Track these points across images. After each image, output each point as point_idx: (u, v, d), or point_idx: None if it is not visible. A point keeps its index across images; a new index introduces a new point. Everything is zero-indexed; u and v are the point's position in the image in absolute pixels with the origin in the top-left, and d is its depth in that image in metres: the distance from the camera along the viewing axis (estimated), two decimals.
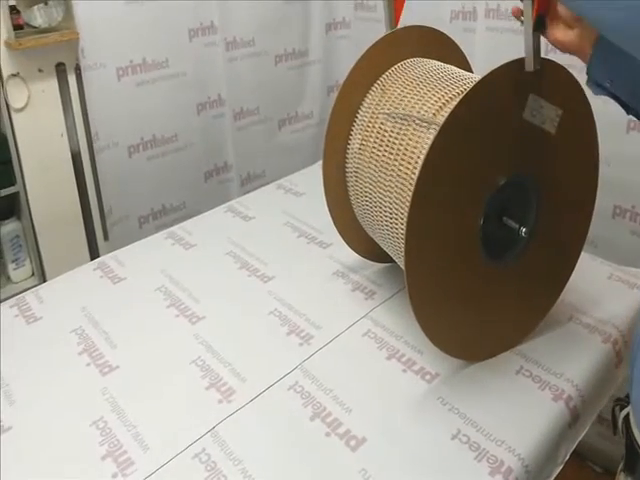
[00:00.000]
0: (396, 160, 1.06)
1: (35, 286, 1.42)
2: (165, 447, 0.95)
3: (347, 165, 1.21)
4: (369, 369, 1.10)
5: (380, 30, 1.19)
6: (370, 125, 1.14)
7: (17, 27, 1.75)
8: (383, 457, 0.93)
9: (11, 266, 1.99)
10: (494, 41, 1.69)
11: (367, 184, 1.14)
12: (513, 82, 0.92)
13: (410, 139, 1.05)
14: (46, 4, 1.79)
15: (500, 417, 0.99)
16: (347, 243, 1.31)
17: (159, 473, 0.91)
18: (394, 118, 1.08)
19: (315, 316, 1.23)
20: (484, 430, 0.97)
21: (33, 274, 2.04)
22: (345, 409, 1.01)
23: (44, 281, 1.93)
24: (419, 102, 1.07)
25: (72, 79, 1.91)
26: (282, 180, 1.81)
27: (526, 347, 1.14)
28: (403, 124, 1.07)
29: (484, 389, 1.05)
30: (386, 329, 1.19)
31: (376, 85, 1.17)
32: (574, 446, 1.06)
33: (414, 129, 1.05)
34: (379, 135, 1.11)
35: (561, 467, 1.02)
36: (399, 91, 1.12)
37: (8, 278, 2.02)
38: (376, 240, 1.23)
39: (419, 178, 0.91)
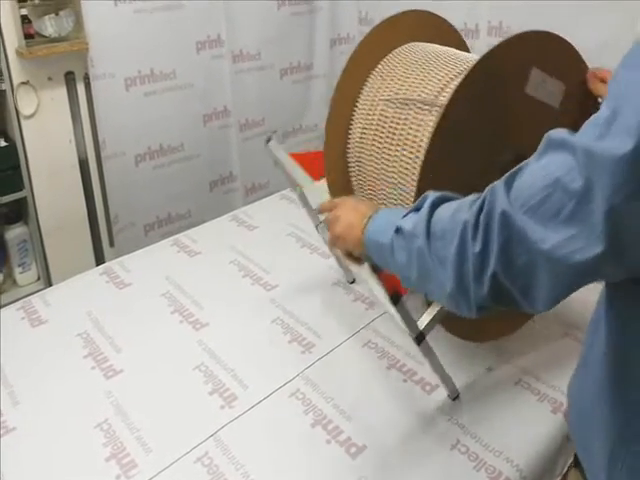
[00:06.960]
0: (398, 147, 1.06)
1: (40, 290, 1.44)
2: (168, 450, 0.97)
3: (349, 155, 1.19)
4: (369, 378, 1.11)
5: None
6: (370, 113, 1.12)
7: (28, 36, 1.78)
8: (382, 465, 0.94)
9: (17, 270, 2.01)
10: None
11: (370, 176, 1.13)
12: (514, 58, 0.91)
13: (412, 123, 1.03)
14: (57, 14, 1.82)
15: (499, 428, 1.01)
16: None
17: (162, 476, 0.93)
18: (394, 103, 1.07)
19: (317, 325, 1.24)
20: (483, 440, 0.98)
21: (39, 278, 2.05)
22: (346, 417, 1.03)
23: (49, 285, 1.94)
24: (420, 85, 1.05)
25: (81, 88, 1.94)
26: (286, 191, 1.83)
27: (524, 361, 1.15)
28: (404, 109, 1.05)
29: (483, 400, 1.06)
30: (387, 339, 1.20)
31: (374, 72, 1.15)
32: (572, 459, 1.06)
33: (416, 112, 1.03)
34: (380, 122, 1.10)
35: (559, 479, 1.03)
36: (398, 76, 1.10)
37: (14, 282, 2.03)
38: None
39: (423, 164, 0.91)
